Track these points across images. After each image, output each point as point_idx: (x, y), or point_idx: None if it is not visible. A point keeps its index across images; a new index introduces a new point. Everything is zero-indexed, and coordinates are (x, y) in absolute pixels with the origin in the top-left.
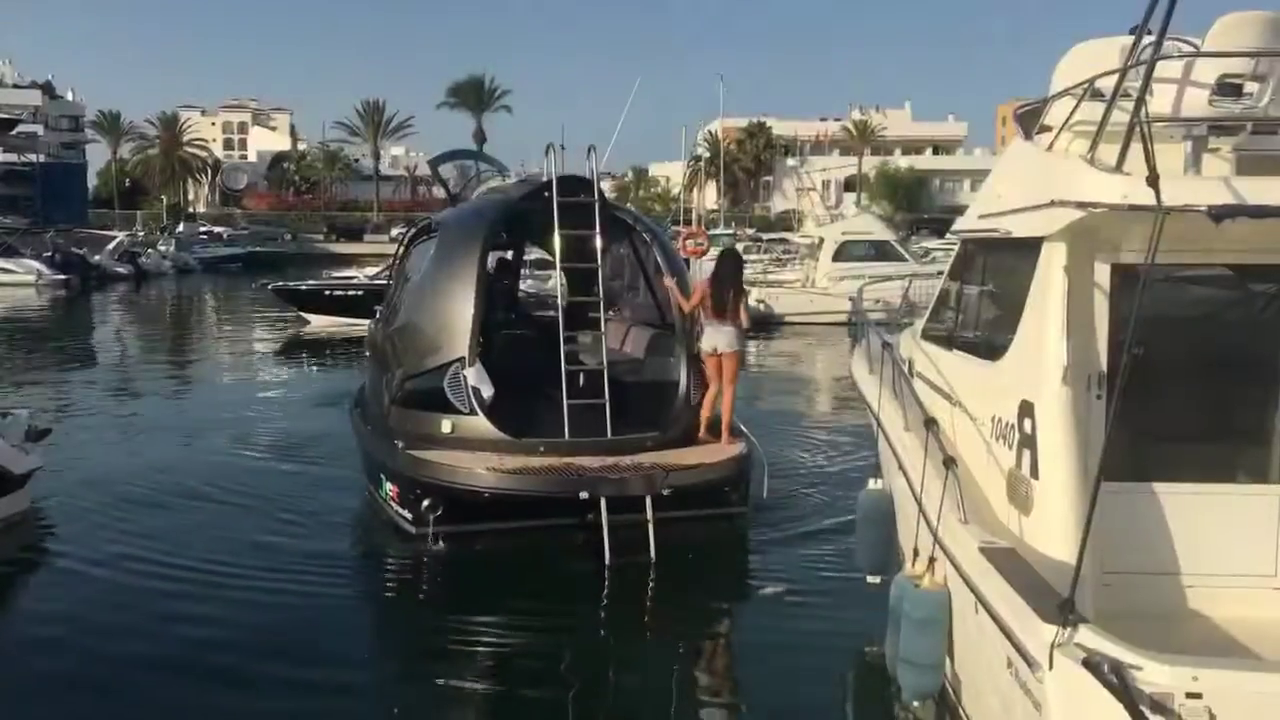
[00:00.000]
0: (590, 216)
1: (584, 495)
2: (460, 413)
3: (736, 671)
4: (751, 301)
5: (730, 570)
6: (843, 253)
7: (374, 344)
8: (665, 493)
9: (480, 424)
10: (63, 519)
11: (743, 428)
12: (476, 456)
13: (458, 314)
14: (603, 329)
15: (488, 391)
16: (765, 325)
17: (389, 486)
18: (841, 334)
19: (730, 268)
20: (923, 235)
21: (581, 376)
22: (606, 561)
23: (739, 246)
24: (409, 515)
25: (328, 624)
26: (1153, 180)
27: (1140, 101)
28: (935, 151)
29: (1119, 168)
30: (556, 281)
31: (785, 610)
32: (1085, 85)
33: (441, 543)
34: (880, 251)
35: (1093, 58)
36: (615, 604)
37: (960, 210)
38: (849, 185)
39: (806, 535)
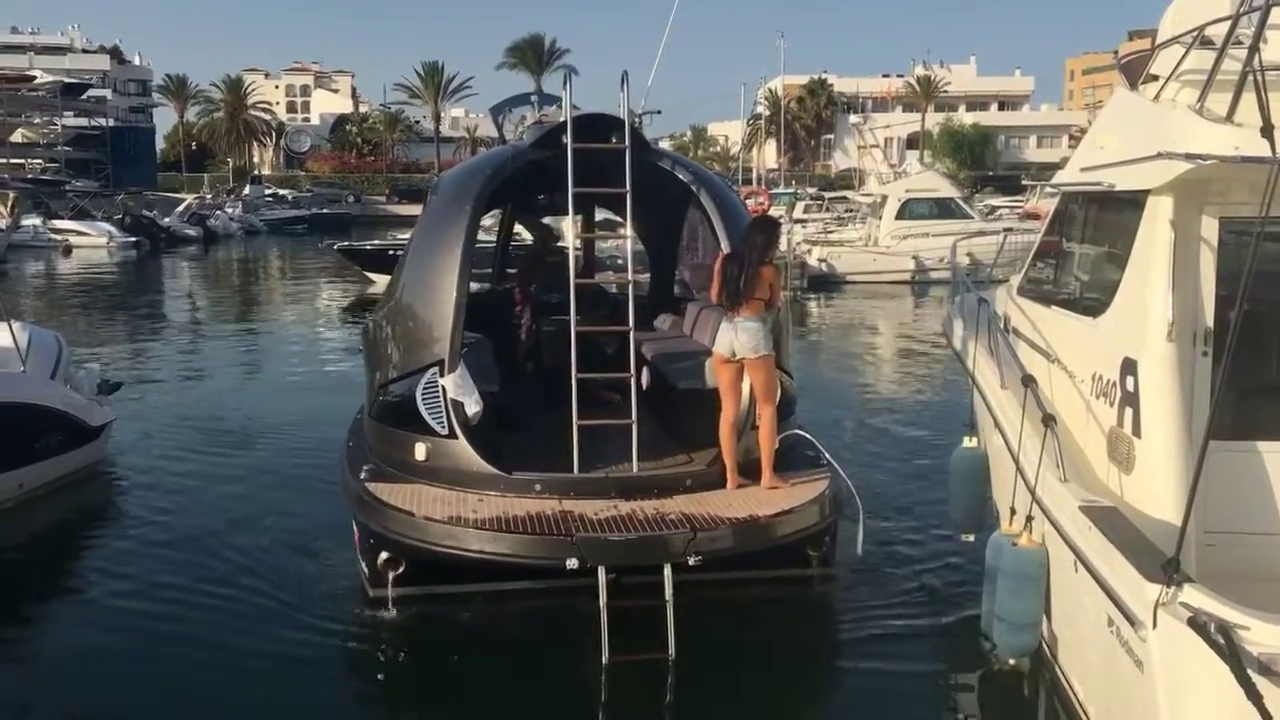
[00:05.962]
0: (621, 166)
1: (572, 564)
2: (437, 434)
3: None
4: (813, 261)
5: (800, 672)
6: (906, 211)
7: (365, 335)
8: (692, 561)
9: (460, 450)
10: (133, 470)
11: (828, 456)
12: (445, 497)
13: (436, 303)
14: (631, 321)
15: (472, 408)
16: (826, 284)
17: (354, 526)
18: (905, 292)
19: (755, 240)
20: (987, 193)
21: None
22: (604, 658)
23: (800, 206)
24: (365, 569)
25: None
26: (1267, 131)
27: (1254, 49)
28: (1001, 107)
29: (1229, 118)
30: (570, 252)
31: None
32: (1194, 33)
33: (395, 609)
34: (944, 209)
35: (1202, 4)
36: None
37: (1026, 167)
38: (912, 143)
39: (914, 609)
